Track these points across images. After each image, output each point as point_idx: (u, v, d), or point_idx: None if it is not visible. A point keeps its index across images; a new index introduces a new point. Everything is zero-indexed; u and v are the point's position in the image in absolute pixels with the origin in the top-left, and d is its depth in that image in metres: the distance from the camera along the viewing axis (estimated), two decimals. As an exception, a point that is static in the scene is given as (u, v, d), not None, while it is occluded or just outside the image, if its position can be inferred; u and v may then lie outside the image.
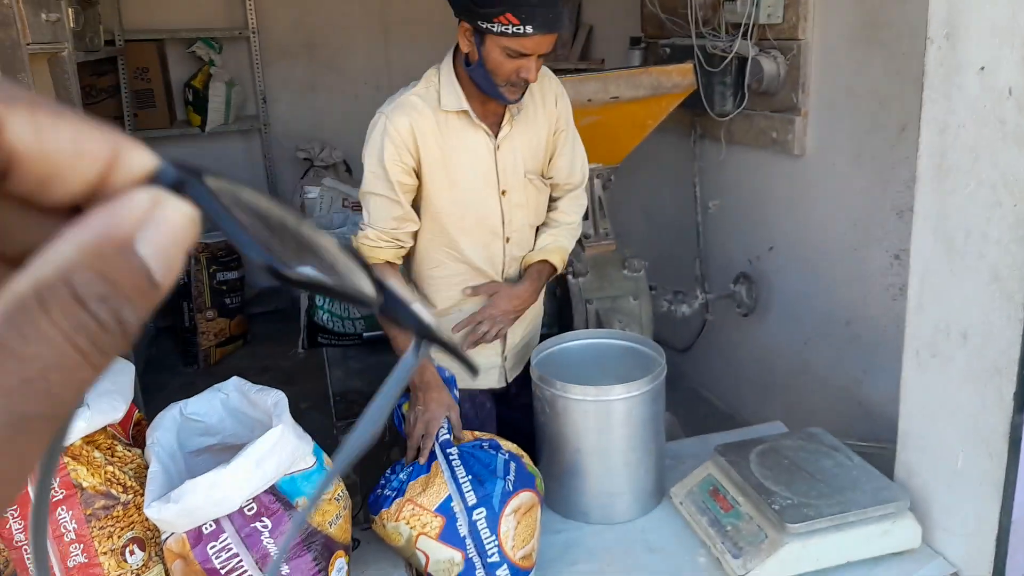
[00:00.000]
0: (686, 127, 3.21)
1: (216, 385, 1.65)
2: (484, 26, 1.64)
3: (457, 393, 1.78)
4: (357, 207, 3.12)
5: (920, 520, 1.64)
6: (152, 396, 3.65)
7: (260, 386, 1.60)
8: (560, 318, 2.73)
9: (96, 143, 0.28)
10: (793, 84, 2.63)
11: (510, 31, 1.62)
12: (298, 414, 3.71)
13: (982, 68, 1.41)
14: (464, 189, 1.83)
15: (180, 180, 0.28)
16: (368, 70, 4.76)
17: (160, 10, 4.31)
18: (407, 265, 1.95)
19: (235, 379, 1.65)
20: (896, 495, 1.63)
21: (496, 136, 1.83)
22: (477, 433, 1.75)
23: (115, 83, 4.26)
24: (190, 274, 4.05)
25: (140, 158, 0.29)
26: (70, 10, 3.07)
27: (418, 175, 1.79)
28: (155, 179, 0.28)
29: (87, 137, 0.28)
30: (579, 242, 2.71)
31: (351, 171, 4.51)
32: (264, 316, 4.64)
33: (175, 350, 4.24)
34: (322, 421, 3.14)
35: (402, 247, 1.84)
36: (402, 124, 1.74)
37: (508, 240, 1.94)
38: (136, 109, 4.34)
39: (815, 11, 2.52)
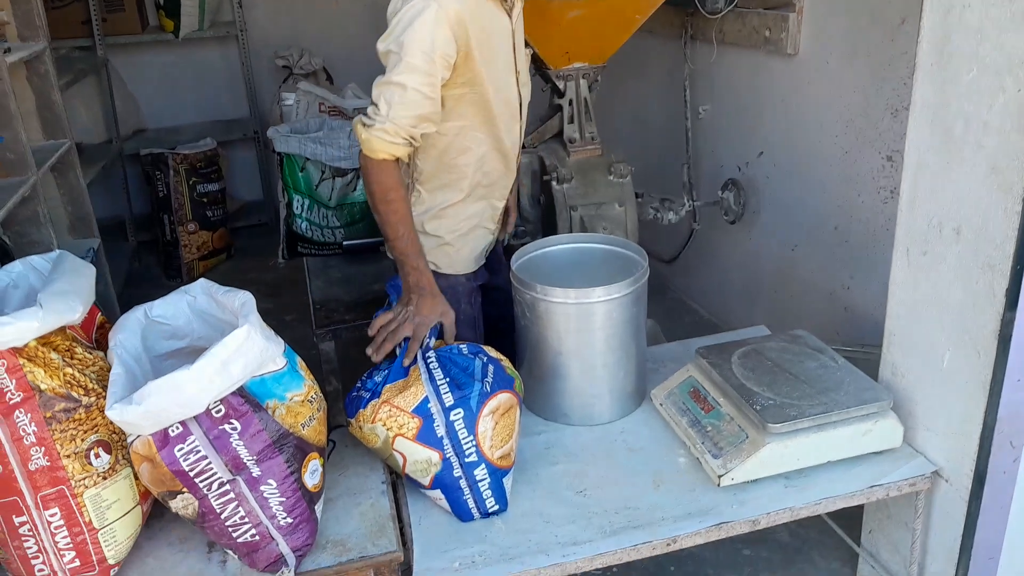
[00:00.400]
0: (677, 28, 3.08)
1: (183, 287, 1.59)
2: None
3: None
4: (334, 112, 3.01)
5: (903, 420, 1.62)
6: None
7: (228, 287, 1.54)
8: (544, 225, 2.67)
9: None
10: (789, -23, 2.50)
11: None
12: (284, 325, 3.68)
13: (990, -58, 1.31)
14: (496, 75, 1.74)
15: None
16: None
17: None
18: (424, 154, 1.83)
19: (202, 280, 1.59)
20: (879, 395, 1.60)
21: (511, 16, 1.74)
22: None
23: (81, -15, 4.05)
24: (170, 186, 3.95)
25: None
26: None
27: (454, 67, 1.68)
28: None
29: None
30: (563, 146, 2.63)
31: (332, 79, 4.35)
32: (248, 230, 4.56)
33: (157, 264, 4.17)
34: (306, 331, 3.11)
35: (413, 147, 1.71)
36: (453, 12, 1.59)
37: (521, 121, 1.89)
38: (105, 14, 4.14)
39: None
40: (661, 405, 1.79)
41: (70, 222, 2.80)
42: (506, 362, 1.66)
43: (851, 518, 1.87)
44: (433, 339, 1.66)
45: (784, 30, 2.54)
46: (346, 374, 2.53)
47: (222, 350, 1.33)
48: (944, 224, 1.49)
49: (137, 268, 4.10)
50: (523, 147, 2.05)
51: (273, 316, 3.54)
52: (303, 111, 3.06)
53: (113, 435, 1.39)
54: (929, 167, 1.52)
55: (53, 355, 1.34)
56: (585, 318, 1.71)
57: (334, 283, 2.58)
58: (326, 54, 4.37)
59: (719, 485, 1.55)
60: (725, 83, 2.94)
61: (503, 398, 1.56)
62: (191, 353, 1.57)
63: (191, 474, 1.32)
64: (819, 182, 2.54)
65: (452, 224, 1.86)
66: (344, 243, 2.75)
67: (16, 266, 1.55)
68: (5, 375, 1.29)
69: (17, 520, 1.32)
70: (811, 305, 2.64)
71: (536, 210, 2.73)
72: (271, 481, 1.36)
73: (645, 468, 1.64)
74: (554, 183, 2.53)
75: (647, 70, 3.43)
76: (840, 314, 2.50)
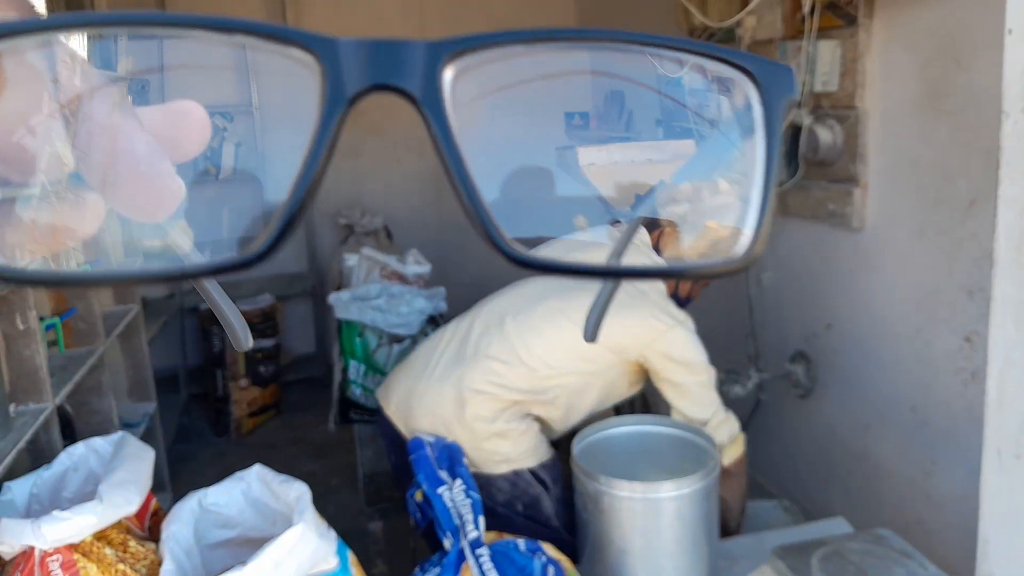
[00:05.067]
0: (734, 197, 3.10)
1: (238, 473, 1.55)
2: None
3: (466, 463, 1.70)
4: (394, 277, 3.05)
5: (1013, 645, 1.45)
6: (182, 467, 3.57)
7: (284, 476, 1.50)
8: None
9: None
10: (851, 154, 2.52)
11: None
12: (329, 491, 3.57)
13: (1068, 143, 1.29)
14: None
15: None
16: (410, 134, 4.76)
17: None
18: None
19: (258, 467, 1.55)
20: (985, 616, 1.45)
21: None
22: (506, 535, 1.61)
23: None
24: (225, 341, 4.01)
25: None
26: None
27: None
28: None
29: None
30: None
31: (391, 236, 4.47)
32: (297, 384, 4.56)
33: (206, 418, 4.17)
34: (352, 498, 3.02)
35: None
36: None
37: None
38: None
39: (873, 79, 2.42)
40: (737, 613, 1.65)
41: (129, 385, 2.82)
42: (566, 563, 1.56)
43: None
44: (482, 520, 1.55)
45: (849, 204, 2.54)
46: (390, 554, 2.41)
47: (275, 550, 1.27)
48: (1044, 428, 1.39)
49: (187, 423, 4.10)
50: None
51: (319, 480, 3.45)
52: (364, 274, 3.11)
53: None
54: (1016, 364, 1.43)
55: (107, 550, 1.29)
56: (653, 515, 1.61)
57: (383, 454, 2.51)
58: (387, 213, 4.51)
59: None
60: (788, 253, 2.91)
61: (566, 605, 1.45)
62: (241, 544, 1.51)
63: None
64: (892, 360, 2.44)
65: None
66: (398, 409, 2.71)
67: (79, 448, 1.54)
68: (60, 571, 1.24)
69: None
70: (890, 489, 2.48)
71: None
72: None
73: None
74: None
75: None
76: (922, 501, 2.34)
